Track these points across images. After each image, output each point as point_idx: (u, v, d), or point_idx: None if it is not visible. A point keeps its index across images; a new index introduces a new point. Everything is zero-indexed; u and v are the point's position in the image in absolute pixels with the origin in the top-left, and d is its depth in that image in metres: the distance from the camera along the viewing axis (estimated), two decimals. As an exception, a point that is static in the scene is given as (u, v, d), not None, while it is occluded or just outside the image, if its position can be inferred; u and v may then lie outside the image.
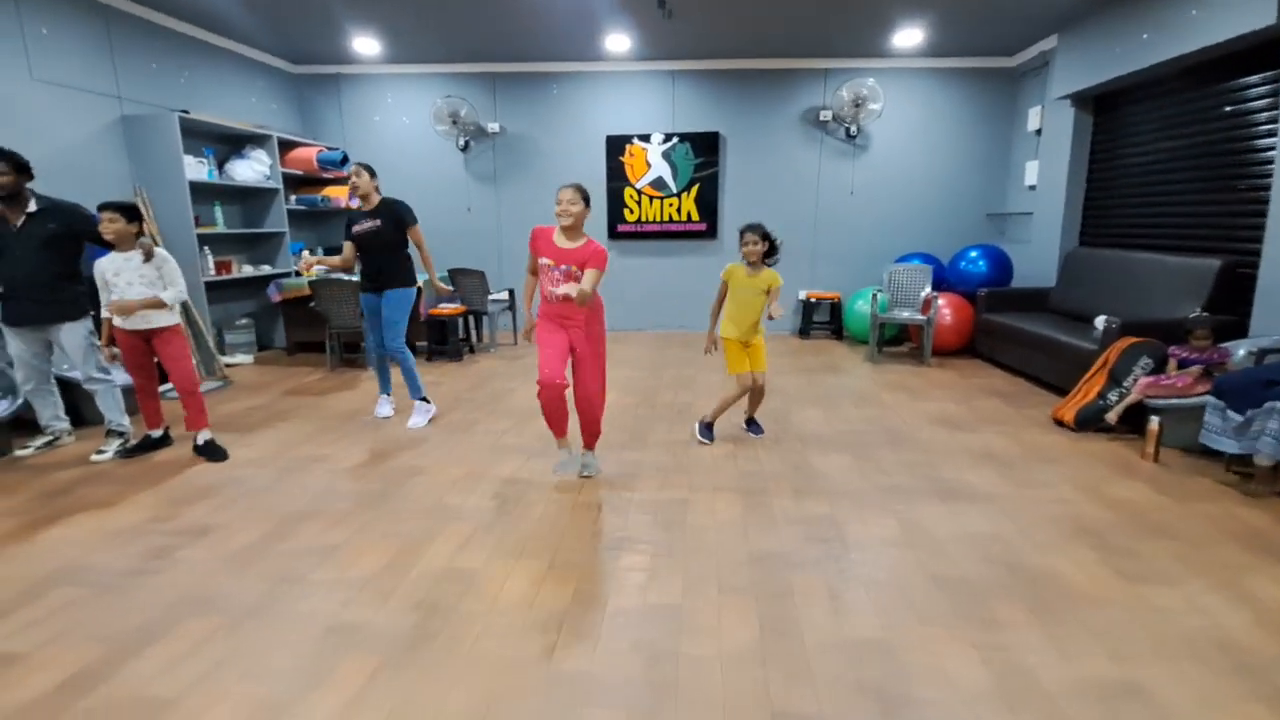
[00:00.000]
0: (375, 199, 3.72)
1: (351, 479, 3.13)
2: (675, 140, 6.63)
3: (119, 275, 3.15)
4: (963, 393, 4.65)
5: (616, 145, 6.67)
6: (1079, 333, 4.43)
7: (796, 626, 1.99)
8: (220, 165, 5.42)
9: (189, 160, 4.84)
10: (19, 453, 3.42)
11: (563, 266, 2.84)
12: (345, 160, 6.19)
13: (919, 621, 2.01)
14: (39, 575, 2.28)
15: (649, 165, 6.70)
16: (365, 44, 5.78)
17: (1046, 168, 5.87)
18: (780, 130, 6.63)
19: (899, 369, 5.40)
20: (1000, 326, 5.25)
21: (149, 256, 3.18)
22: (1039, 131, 5.98)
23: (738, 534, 2.57)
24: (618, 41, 5.76)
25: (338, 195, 6.26)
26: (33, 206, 3.24)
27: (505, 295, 6.42)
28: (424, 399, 3.95)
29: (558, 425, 3.03)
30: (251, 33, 5.52)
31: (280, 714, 1.64)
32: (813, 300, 6.81)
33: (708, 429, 3.64)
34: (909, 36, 5.63)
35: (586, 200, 2.92)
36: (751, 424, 3.76)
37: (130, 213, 3.15)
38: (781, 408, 4.30)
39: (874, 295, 5.66)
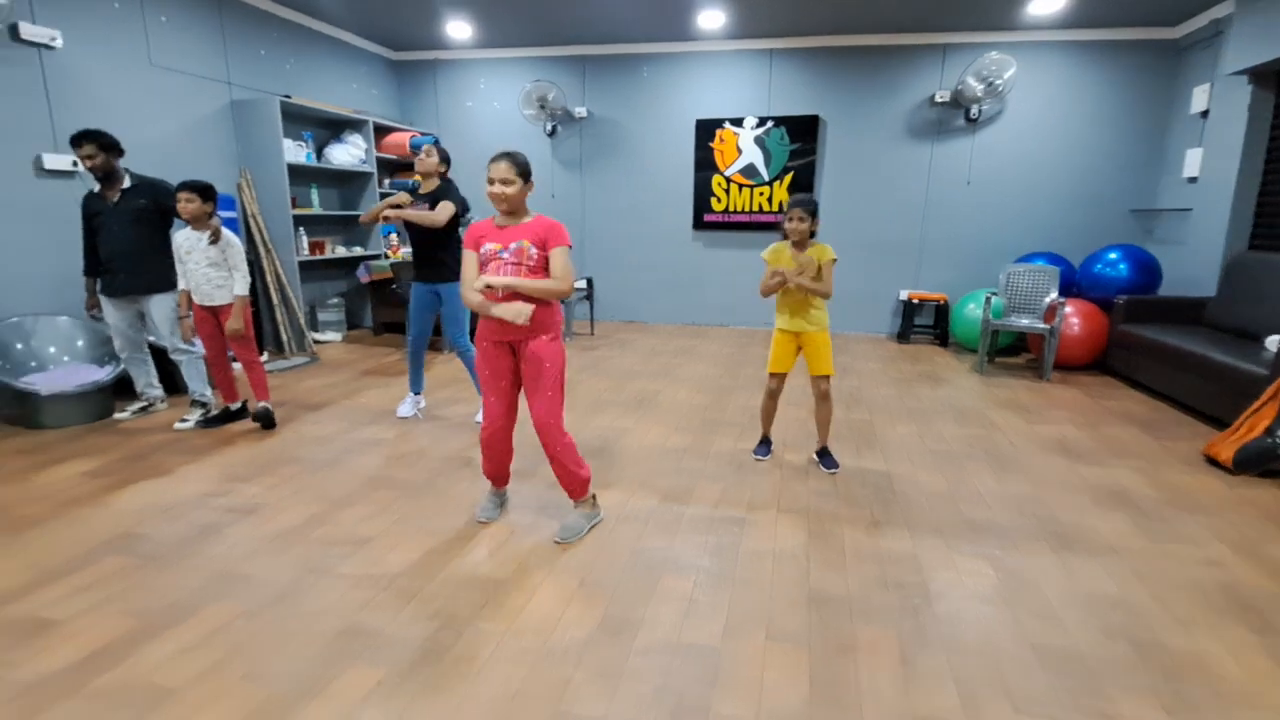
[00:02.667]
0: (434, 183, 3.50)
1: (402, 466, 3.08)
2: (770, 124, 6.21)
3: (190, 254, 3.27)
4: (1089, 416, 4.00)
5: (707, 130, 6.35)
6: (1244, 353, 3.67)
7: (855, 692, 1.67)
8: (319, 149, 5.62)
9: (288, 144, 5.04)
10: (117, 415, 3.66)
11: (512, 245, 2.20)
12: (437, 144, 6.26)
13: (1010, 703, 1.63)
14: (98, 540, 2.36)
15: (740, 151, 6.33)
16: (458, 28, 5.80)
17: (1213, 156, 4.96)
18: (889, 113, 6.05)
19: (1012, 383, 4.77)
20: (1141, 340, 4.49)
21: (216, 238, 3.26)
22: (1205, 114, 5.07)
23: (798, 568, 2.25)
24: (711, 18, 5.43)
25: (428, 180, 6.36)
26: (126, 183, 3.42)
27: (584, 284, 6.30)
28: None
29: (497, 475, 2.56)
30: (355, 20, 5.68)
31: (270, 724, 1.54)
32: (915, 301, 6.20)
33: (762, 444, 3.30)
34: (1048, 4, 4.92)
35: (525, 174, 2.27)
36: (823, 456, 3.14)
37: (205, 193, 3.24)
38: (866, 420, 3.87)
39: (987, 298, 5.03)
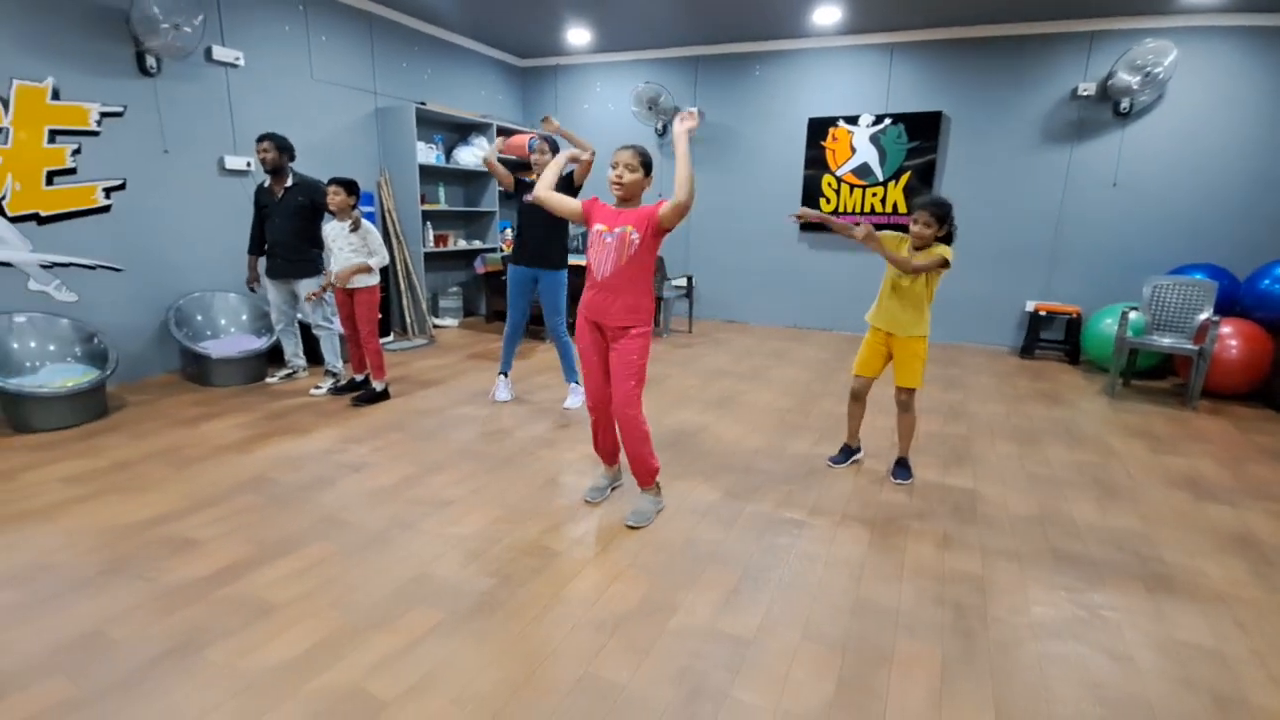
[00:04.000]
0: None
1: (489, 441, 3.35)
2: (887, 122, 5.95)
3: (335, 241, 3.73)
4: (1233, 451, 3.51)
5: (819, 128, 6.21)
6: None
7: (882, 703, 1.64)
8: (448, 151, 6.15)
9: (421, 146, 5.57)
10: (268, 380, 4.27)
11: (616, 230, 2.33)
12: (555, 148, 6.62)
13: (1056, 741, 1.53)
14: (238, 480, 2.81)
15: (853, 150, 6.13)
16: (578, 35, 6.10)
17: None
18: (1022, 107, 5.58)
19: (1147, 409, 4.27)
20: (1318, 370, 3.86)
21: (356, 226, 3.69)
22: None
23: (850, 575, 2.22)
24: (827, 14, 5.30)
25: (544, 179, 6.74)
26: (289, 181, 3.97)
27: (684, 282, 6.39)
28: (576, 381, 3.99)
29: (604, 451, 2.73)
30: (487, 31, 6.14)
31: (344, 642, 1.79)
32: (1042, 313, 5.69)
33: (841, 451, 3.21)
34: (1219, -18, 4.34)
35: (648, 167, 2.38)
36: (897, 466, 3.02)
37: (350, 187, 3.68)
38: (963, 435, 3.66)
39: (1124, 313, 4.53)
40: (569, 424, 3.64)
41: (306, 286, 4.05)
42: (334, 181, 3.66)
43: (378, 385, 3.91)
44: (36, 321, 3.60)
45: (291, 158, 3.98)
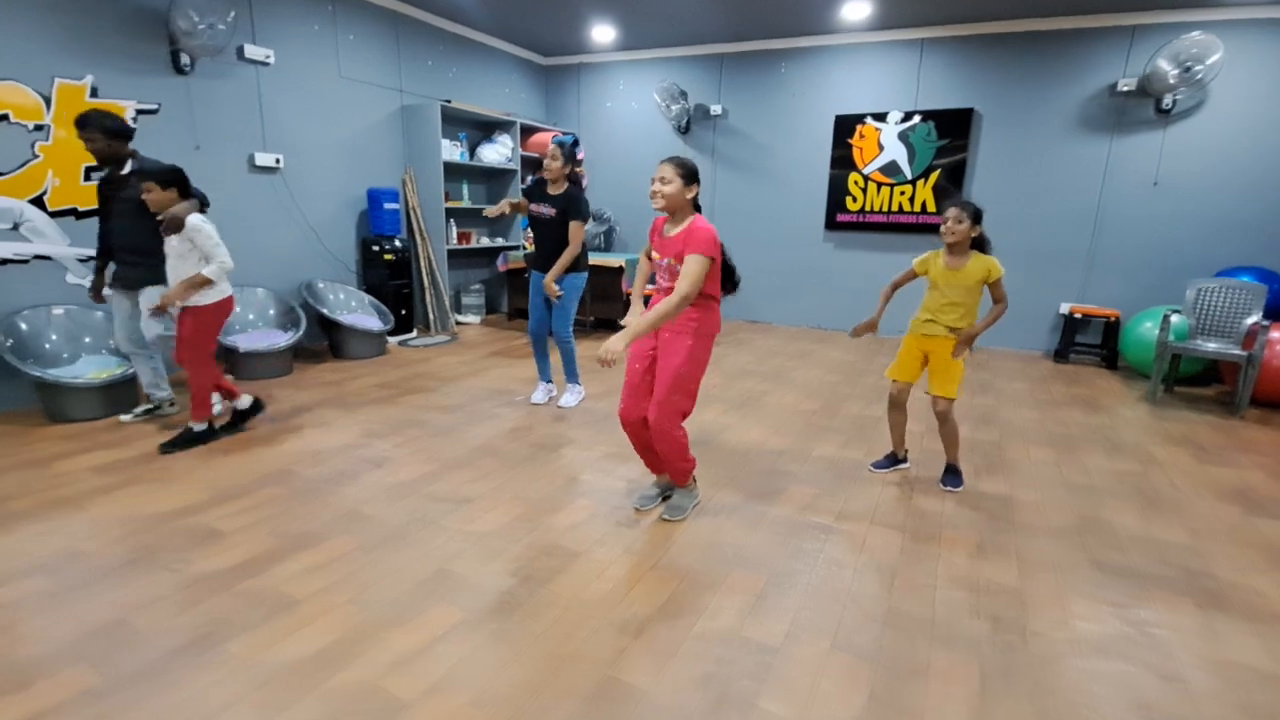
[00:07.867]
0: (562, 186, 3.56)
1: (509, 439, 3.32)
2: (916, 119, 5.83)
3: (169, 250, 2.98)
4: (1287, 462, 3.35)
5: (846, 126, 6.10)
6: None
7: (915, 718, 1.57)
8: (472, 149, 6.16)
9: (445, 144, 5.59)
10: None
11: (664, 261, 2.33)
12: (576, 144, 6.59)
13: (1103, 765, 1.45)
14: (264, 473, 2.82)
15: (881, 148, 6.01)
16: (603, 32, 6.07)
17: None
18: (1059, 104, 5.42)
19: (1191, 417, 4.10)
20: (1376, 378, 3.67)
21: (175, 229, 2.87)
22: None
23: (880, 583, 2.14)
24: (856, 9, 5.20)
25: (568, 177, 6.73)
26: (127, 169, 3.13)
27: (708, 282, 6.32)
28: (576, 382, 3.96)
29: (648, 463, 2.63)
30: (512, 30, 6.14)
31: (363, 639, 1.77)
32: (1078, 316, 5.51)
33: (886, 458, 3.12)
34: (1273, -28, 4.15)
35: (688, 177, 2.26)
36: (946, 474, 2.93)
37: (165, 179, 2.87)
38: (994, 442, 3.54)
39: (1166, 316, 4.36)
40: (589, 423, 3.61)
41: (148, 296, 3.19)
42: (144, 178, 2.84)
43: (196, 426, 3.08)
44: (73, 314, 3.67)
45: (126, 139, 3.12)
